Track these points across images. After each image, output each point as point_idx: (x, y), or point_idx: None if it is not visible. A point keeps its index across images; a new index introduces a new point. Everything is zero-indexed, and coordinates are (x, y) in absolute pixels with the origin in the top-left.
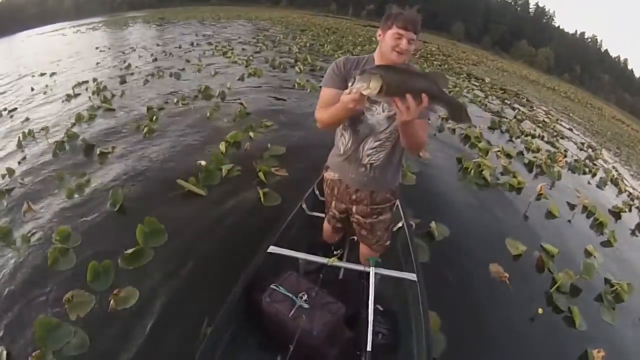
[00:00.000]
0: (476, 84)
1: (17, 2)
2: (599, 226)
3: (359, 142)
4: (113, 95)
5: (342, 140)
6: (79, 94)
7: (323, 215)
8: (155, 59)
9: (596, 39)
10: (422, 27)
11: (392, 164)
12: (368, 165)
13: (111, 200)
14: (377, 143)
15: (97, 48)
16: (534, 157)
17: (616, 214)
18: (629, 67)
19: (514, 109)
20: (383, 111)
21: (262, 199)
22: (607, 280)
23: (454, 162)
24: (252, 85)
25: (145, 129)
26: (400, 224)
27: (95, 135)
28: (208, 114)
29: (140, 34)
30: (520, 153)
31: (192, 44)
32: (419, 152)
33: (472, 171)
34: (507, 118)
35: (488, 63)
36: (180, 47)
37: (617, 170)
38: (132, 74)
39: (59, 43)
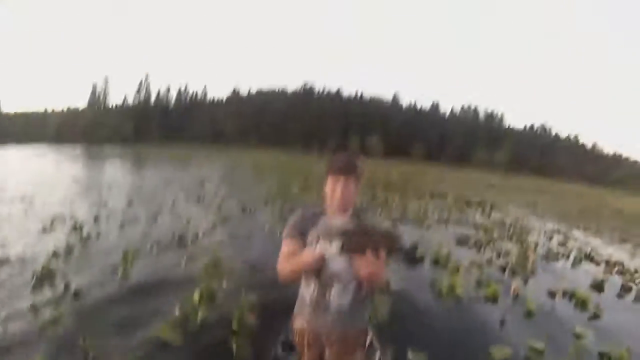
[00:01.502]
0: (440, 202)
1: (2, 120)
2: (582, 305)
3: (325, 290)
4: (89, 235)
5: (308, 289)
6: (54, 228)
7: None
8: (131, 201)
9: (544, 127)
10: (385, 155)
11: (360, 303)
12: (336, 310)
13: (82, 346)
14: (342, 288)
15: (75, 181)
16: (505, 261)
17: (598, 286)
18: (580, 142)
19: (479, 218)
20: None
21: (234, 350)
22: (602, 355)
23: (426, 285)
24: (225, 230)
25: (121, 272)
26: (376, 358)
27: (71, 273)
28: (182, 260)
29: (116, 170)
30: (491, 261)
31: (166, 187)
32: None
33: (446, 290)
34: (473, 229)
35: (449, 178)
36: (155, 189)
37: (589, 245)
38: (108, 214)
39: (38, 168)
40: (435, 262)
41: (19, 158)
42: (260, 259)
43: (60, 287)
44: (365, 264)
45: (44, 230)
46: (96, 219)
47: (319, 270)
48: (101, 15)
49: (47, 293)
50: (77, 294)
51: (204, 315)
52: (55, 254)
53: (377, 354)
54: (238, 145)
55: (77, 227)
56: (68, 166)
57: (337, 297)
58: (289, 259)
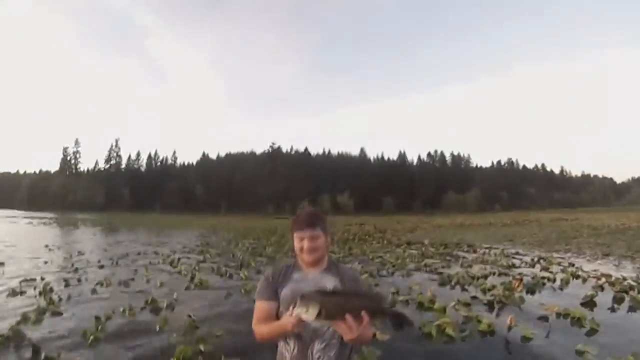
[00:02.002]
0: (416, 250)
1: None
2: (578, 322)
3: (306, 348)
4: (60, 299)
5: (287, 348)
6: (24, 292)
7: None
8: (103, 266)
9: (512, 161)
10: (357, 210)
11: (345, 357)
12: None
13: None
14: (324, 344)
15: (46, 246)
16: (491, 295)
17: (590, 302)
18: (548, 169)
19: (458, 258)
20: None
21: None
22: None
23: (415, 331)
24: (200, 295)
25: (91, 338)
26: None
27: (41, 338)
28: (157, 327)
29: (88, 236)
30: (476, 297)
31: (139, 253)
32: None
33: (435, 333)
34: (454, 270)
35: (423, 225)
36: (127, 255)
37: (573, 265)
38: (79, 279)
39: (9, 232)
40: (420, 304)
41: None
42: (239, 323)
43: (28, 352)
44: (348, 330)
45: (14, 293)
46: (67, 284)
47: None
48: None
49: (12, 358)
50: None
51: None
52: (24, 318)
53: None
54: (210, 212)
55: (47, 291)
56: (40, 230)
57: (320, 353)
58: (264, 321)
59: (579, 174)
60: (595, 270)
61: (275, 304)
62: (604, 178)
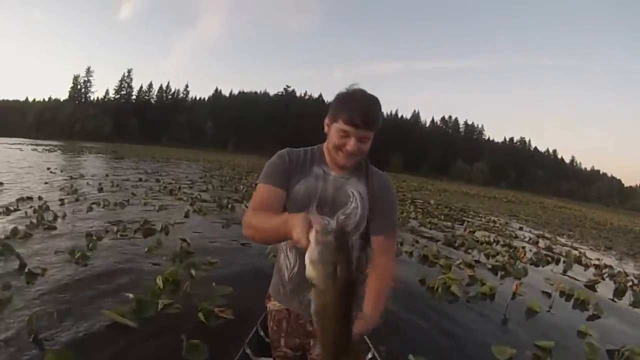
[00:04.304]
0: (421, 207)
1: None
2: (581, 304)
3: None
4: (55, 217)
5: (287, 262)
6: (19, 209)
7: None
8: (102, 189)
9: (524, 140)
10: None
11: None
12: None
13: (27, 328)
14: None
15: (48, 169)
16: (496, 261)
17: (591, 287)
18: (559, 156)
19: (463, 222)
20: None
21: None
22: (610, 352)
23: (418, 285)
24: (198, 223)
25: (79, 254)
26: (370, 355)
27: (28, 253)
28: (146, 249)
29: (92, 163)
30: (479, 261)
31: (140, 179)
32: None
33: (439, 289)
34: (459, 232)
35: (429, 187)
36: (128, 181)
37: (577, 250)
38: (77, 199)
39: (12, 157)
40: (424, 257)
41: None
42: (236, 253)
43: (15, 265)
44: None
45: (7, 210)
46: (62, 202)
47: None
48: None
49: None
50: (31, 274)
51: (166, 303)
52: (14, 233)
53: (371, 352)
54: (217, 148)
55: (42, 208)
56: (44, 156)
57: None
58: (264, 211)
59: (589, 168)
60: (598, 259)
61: (284, 194)
62: (613, 178)
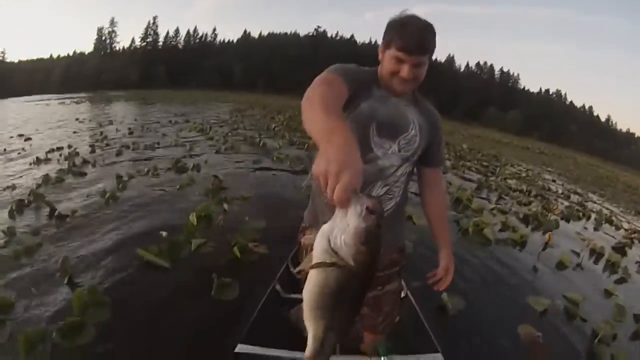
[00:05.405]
0: (454, 151)
1: (6, 71)
2: (611, 266)
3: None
4: (85, 162)
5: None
6: (50, 159)
7: None
8: (132, 132)
9: (560, 93)
10: None
11: (401, 213)
12: None
13: (60, 270)
14: (385, 189)
15: (77, 119)
16: (528, 210)
17: (621, 249)
18: (595, 114)
19: (495, 168)
20: (399, 151)
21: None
22: (637, 317)
23: (452, 224)
24: (230, 159)
25: (109, 195)
26: (403, 294)
27: (59, 198)
28: (178, 186)
29: (120, 109)
30: (512, 209)
31: (170, 121)
32: None
33: (472, 231)
34: (491, 178)
35: (462, 132)
36: (158, 123)
37: (608, 209)
38: (107, 144)
39: (41, 112)
40: (457, 200)
41: (25, 105)
42: (269, 187)
43: (45, 212)
44: None
45: (38, 161)
46: (93, 149)
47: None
48: None
49: (29, 217)
50: (61, 217)
51: (200, 243)
52: (45, 180)
53: (405, 291)
54: (247, 90)
55: (72, 155)
56: (72, 108)
57: None
58: (329, 86)
59: (624, 130)
60: (629, 222)
61: (347, 94)
62: None
